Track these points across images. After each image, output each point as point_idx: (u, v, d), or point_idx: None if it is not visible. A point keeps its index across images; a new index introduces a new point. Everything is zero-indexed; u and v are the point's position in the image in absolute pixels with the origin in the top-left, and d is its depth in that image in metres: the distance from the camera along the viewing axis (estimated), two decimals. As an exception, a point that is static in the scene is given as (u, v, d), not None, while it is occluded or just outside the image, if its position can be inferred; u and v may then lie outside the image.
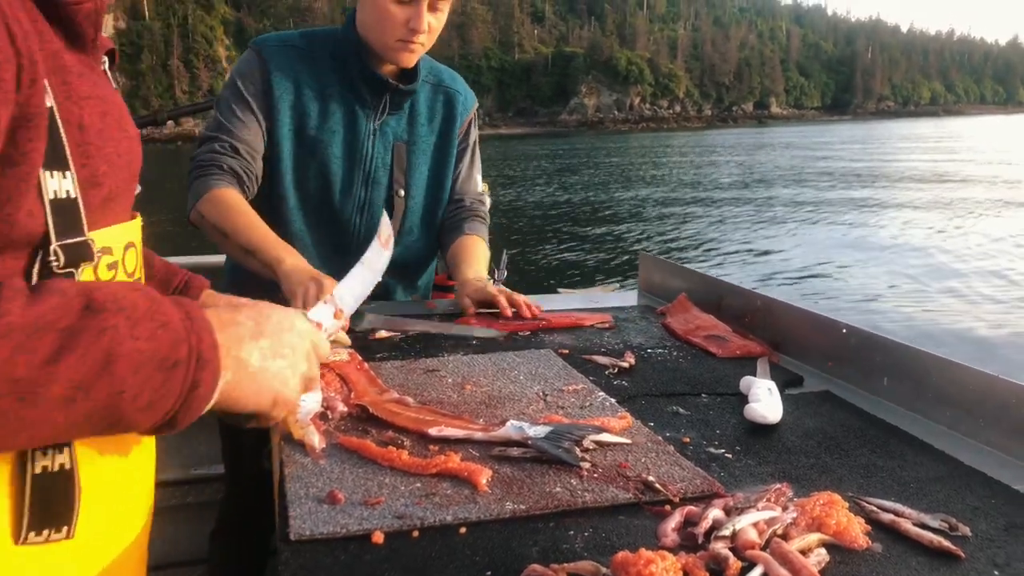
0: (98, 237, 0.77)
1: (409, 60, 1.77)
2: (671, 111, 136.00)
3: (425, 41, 1.74)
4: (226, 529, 2.07)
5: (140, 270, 0.89)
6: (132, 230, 0.86)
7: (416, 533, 0.84)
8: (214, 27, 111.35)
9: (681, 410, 1.23)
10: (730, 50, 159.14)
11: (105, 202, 0.78)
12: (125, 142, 0.83)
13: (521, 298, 1.73)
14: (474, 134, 2.03)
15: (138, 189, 0.93)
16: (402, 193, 1.90)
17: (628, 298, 2.07)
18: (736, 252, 12.91)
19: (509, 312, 1.70)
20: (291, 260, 1.63)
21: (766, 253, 12.71)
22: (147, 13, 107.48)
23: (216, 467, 2.40)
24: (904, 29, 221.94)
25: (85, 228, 0.75)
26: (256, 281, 1.83)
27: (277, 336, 0.81)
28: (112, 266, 0.81)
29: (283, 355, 0.82)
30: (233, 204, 1.69)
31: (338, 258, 1.84)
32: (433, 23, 1.72)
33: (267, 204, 1.80)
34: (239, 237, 1.65)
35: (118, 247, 0.82)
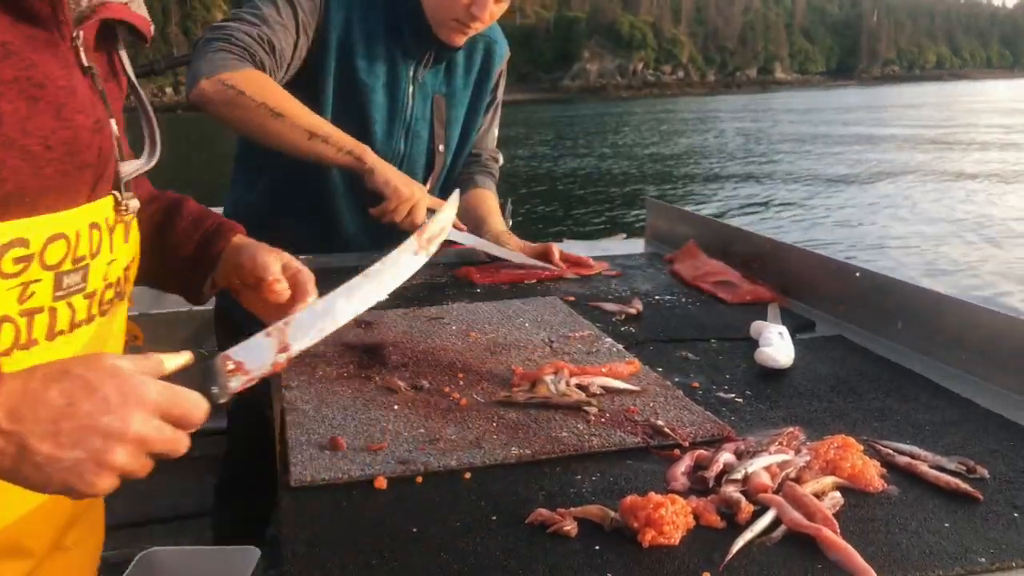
0: (6, 230, 0.71)
1: (459, 41, 1.69)
2: (674, 77, 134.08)
3: (480, 28, 1.66)
4: (230, 481, 2.07)
5: (72, 260, 0.79)
6: (71, 219, 0.78)
7: (420, 479, 0.82)
8: None
9: (690, 355, 1.20)
10: (734, 14, 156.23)
11: (11, 196, 0.71)
12: (63, 132, 0.75)
13: (553, 250, 1.70)
14: (502, 87, 1.96)
15: (138, 166, 0.88)
16: (442, 148, 1.83)
17: (635, 247, 2.04)
18: (745, 208, 12.83)
19: (563, 265, 1.67)
20: (372, 153, 1.60)
21: (774, 207, 12.63)
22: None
23: (219, 421, 2.40)
24: None
25: None
26: (270, 223, 1.77)
27: (90, 420, 0.65)
28: (23, 259, 0.74)
29: (86, 445, 0.66)
30: (278, 87, 1.55)
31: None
32: (495, 11, 1.64)
33: None
34: (301, 119, 1.52)
35: (37, 239, 0.75)
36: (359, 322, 1.30)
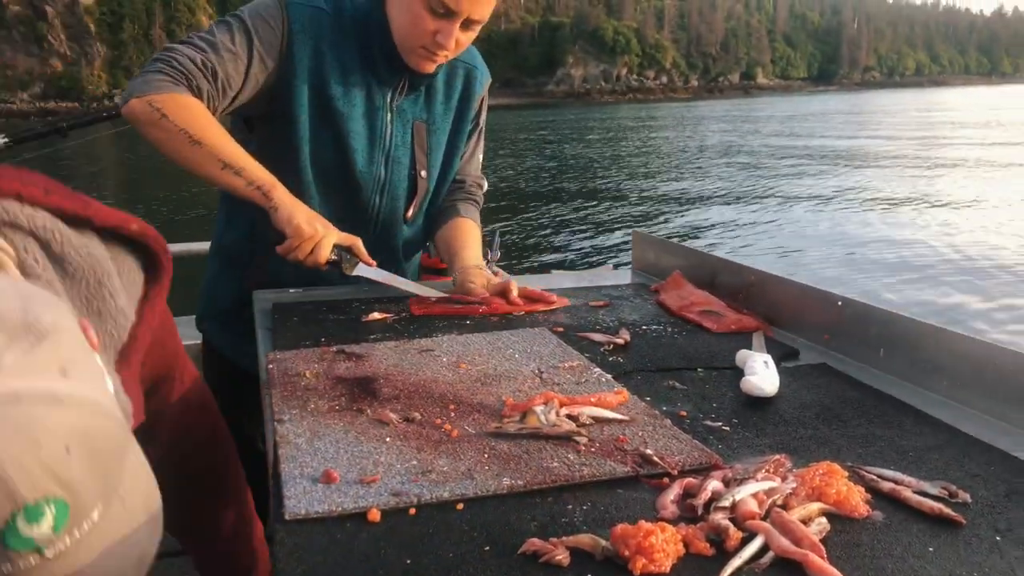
0: None
1: (427, 68, 1.69)
2: (658, 82, 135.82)
3: (449, 55, 1.67)
4: None
5: None
6: None
7: (413, 510, 0.83)
8: None
9: (677, 384, 1.22)
10: (716, 20, 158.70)
11: None
12: None
13: (511, 287, 1.68)
14: (484, 113, 1.97)
15: None
16: (424, 174, 1.83)
17: (622, 277, 2.06)
18: (728, 225, 12.94)
19: (521, 303, 1.64)
20: (283, 189, 1.59)
21: (757, 225, 12.75)
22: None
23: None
24: (890, 0, 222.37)
25: None
26: (257, 262, 1.79)
27: None
28: None
29: None
30: (207, 116, 1.56)
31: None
32: (462, 40, 1.64)
33: (278, 175, 1.66)
34: (217, 149, 1.53)
35: None
36: (350, 355, 1.31)
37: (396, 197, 1.82)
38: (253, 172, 1.56)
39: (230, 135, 1.59)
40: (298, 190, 1.68)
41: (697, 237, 12.01)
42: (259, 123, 1.74)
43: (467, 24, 1.61)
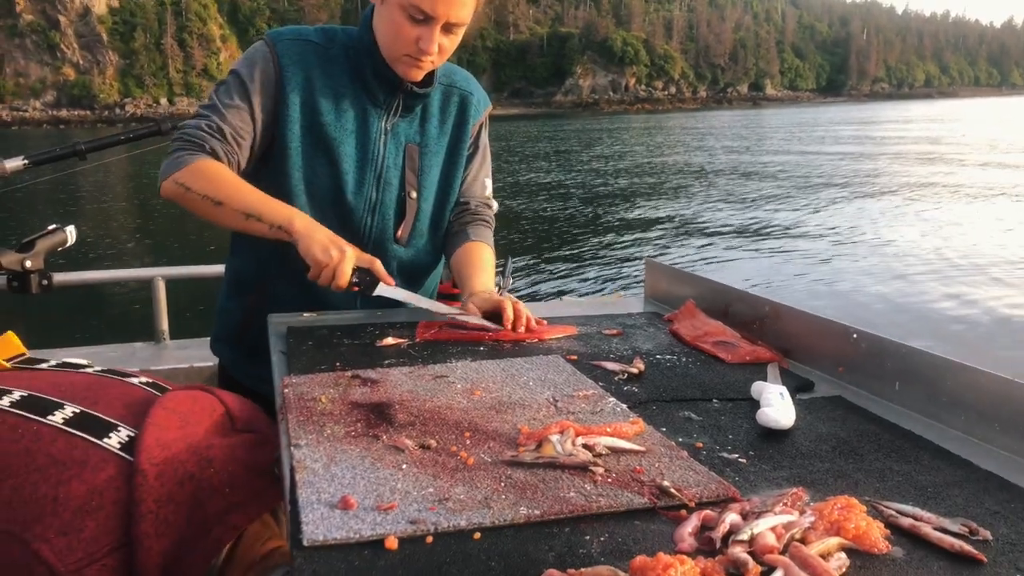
0: None
1: (415, 76, 1.75)
2: (666, 92, 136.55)
3: (436, 60, 1.72)
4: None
5: None
6: None
7: (430, 539, 0.83)
8: (208, 5, 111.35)
9: (693, 415, 1.22)
10: (725, 31, 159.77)
11: None
12: None
13: (525, 312, 1.69)
14: (485, 137, 2.01)
15: None
16: (414, 195, 1.87)
17: (634, 305, 2.06)
18: (740, 248, 12.95)
19: (510, 324, 1.66)
20: (301, 219, 1.67)
21: (770, 251, 12.75)
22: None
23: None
24: (899, 11, 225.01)
25: None
26: (257, 287, 1.84)
27: None
28: None
29: None
30: (222, 172, 1.68)
31: None
32: (445, 44, 1.69)
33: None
34: (237, 203, 1.65)
35: None
36: (365, 380, 1.32)
37: (386, 217, 1.86)
38: (272, 214, 1.66)
39: (246, 182, 1.70)
40: None
41: (708, 261, 12.00)
42: (263, 156, 1.80)
43: (448, 28, 1.67)
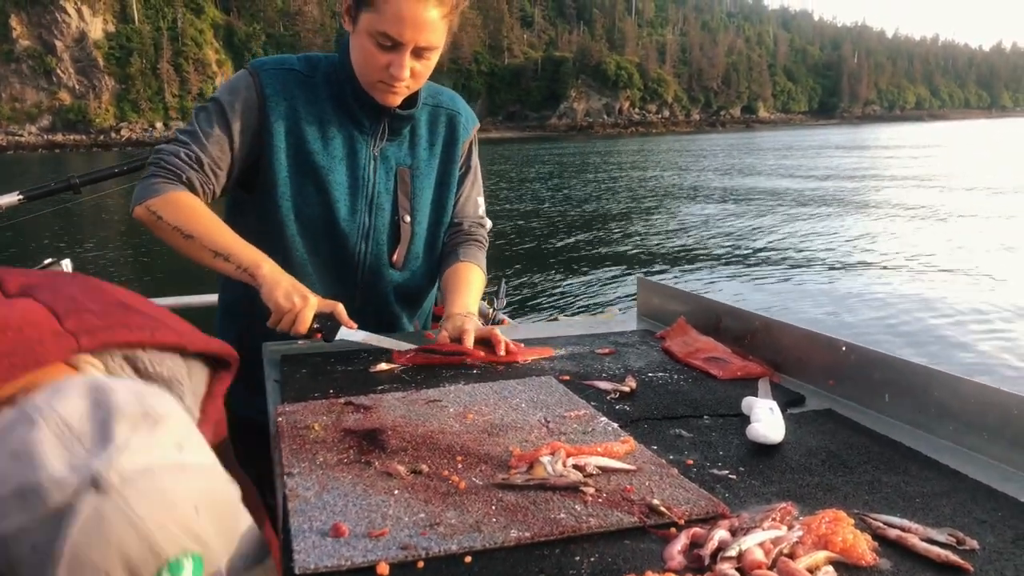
0: None
1: (392, 101, 1.75)
2: (660, 116, 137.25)
3: (411, 85, 1.72)
4: None
5: None
6: None
7: (421, 563, 0.83)
8: (204, 31, 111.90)
9: (684, 432, 1.23)
10: (718, 55, 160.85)
11: None
12: None
13: (497, 337, 1.67)
14: (475, 156, 2.02)
15: None
16: (408, 219, 1.88)
17: (628, 323, 2.08)
18: (734, 261, 12.97)
19: (469, 350, 1.63)
20: (269, 265, 1.67)
21: (762, 261, 12.78)
22: (136, 16, 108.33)
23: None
24: (889, 34, 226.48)
25: None
26: (248, 315, 1.84)
27: None
28: None
29: None
30: (197, 207, 1.70)
31: (341, 286, 1.85)
32: (418, 68, 1.70)
33: (264, 231, 1.78)
34: (207, 240, 1.66)
35: None
36: (358, 406, 1.32)
37: (380, 243, 1.86)
38: (240, 256, 1.67)
39: (220, 220, 1.72)
40: (282, 244, 1.79)
41: (700, 279, 12.01)
42: (246, 184, 1.82)
43: (418, 53, 1.67)
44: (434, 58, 1.72)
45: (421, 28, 1.61)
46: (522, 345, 1.70)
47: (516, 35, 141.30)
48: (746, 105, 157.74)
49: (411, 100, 1.83)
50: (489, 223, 2.11)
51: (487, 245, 2.05)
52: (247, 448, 1.66)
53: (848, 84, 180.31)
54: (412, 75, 1.69)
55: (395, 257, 1.88)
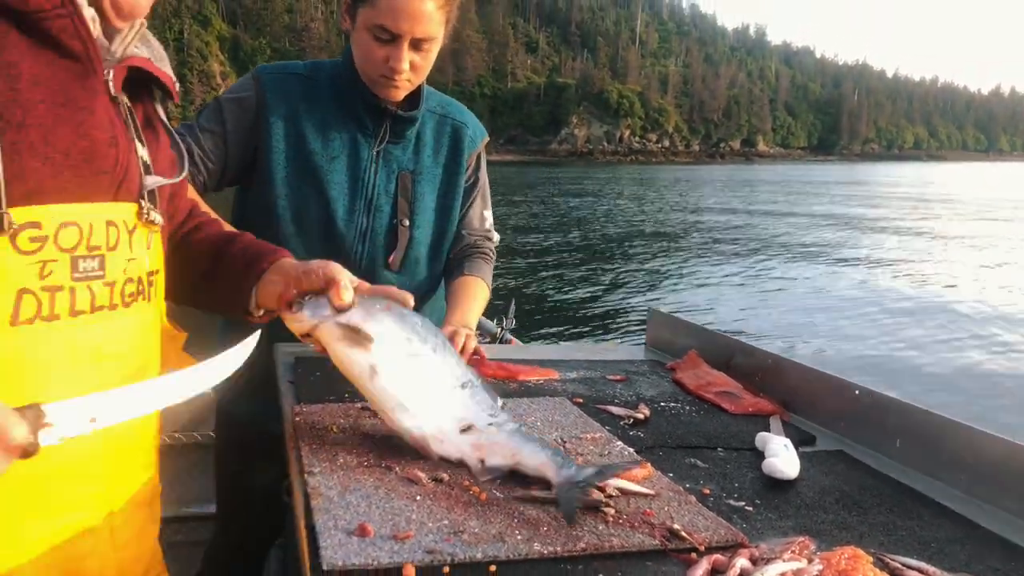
0: (20, 213, 0.87)
1: (394, 95, 1.77)
2: (660, 145, 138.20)
3: (412, 78, 1.74)
4: (212, 570, 2.04)
5: (87, 247, 0.95)
6: (83, 212, 0.94)
7: (447, 569, 0.84)
8: (210, 43, 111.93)
9: (699, 462, 1.24)
10: (720, 87, 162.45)
11: (32, 192, 0.88)
12: (81, 143, 0.93)
13: (474, 348, 1.69)
14: (483, 169, 2.02)
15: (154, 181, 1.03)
16: (406, 223, 1.88)
17: (635, 353, 2.09)
18: (745, 295, 13.04)
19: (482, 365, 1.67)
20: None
21: (775, 295, 12.85)
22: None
23: (208, 506, 2.37)
24: (890, 74, 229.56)
25: (3, 204, 0.85)
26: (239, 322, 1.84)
27: None
28: (38, 239, 0.90)
29: None
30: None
31: None
32: (417, 61, 1.72)
33: (261, 228, 1.71)
34: None
35: (49, 224, 0.90)
36: (373, 412, 1.33)
37: (377, 245, 1.86)
38: None
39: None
40: (277, 242, 1.75)
41: (706, 311, 12.01)
42: (246, 180, 1.84)
43: (416, 44, 1.69)
44: (433, 50, 1.74)
45: (417, 19, 1.64)
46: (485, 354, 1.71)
47: (520, 60, 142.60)
48: (746, 138, 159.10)
49: (414, 102, 1.84)
50: (497, 236, 2.11)
51: (494, 258, 2.05)
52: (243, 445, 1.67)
53: (848, 121, 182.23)
54: (412, 68, 1.72)
55: (391, 259, 1.89)
